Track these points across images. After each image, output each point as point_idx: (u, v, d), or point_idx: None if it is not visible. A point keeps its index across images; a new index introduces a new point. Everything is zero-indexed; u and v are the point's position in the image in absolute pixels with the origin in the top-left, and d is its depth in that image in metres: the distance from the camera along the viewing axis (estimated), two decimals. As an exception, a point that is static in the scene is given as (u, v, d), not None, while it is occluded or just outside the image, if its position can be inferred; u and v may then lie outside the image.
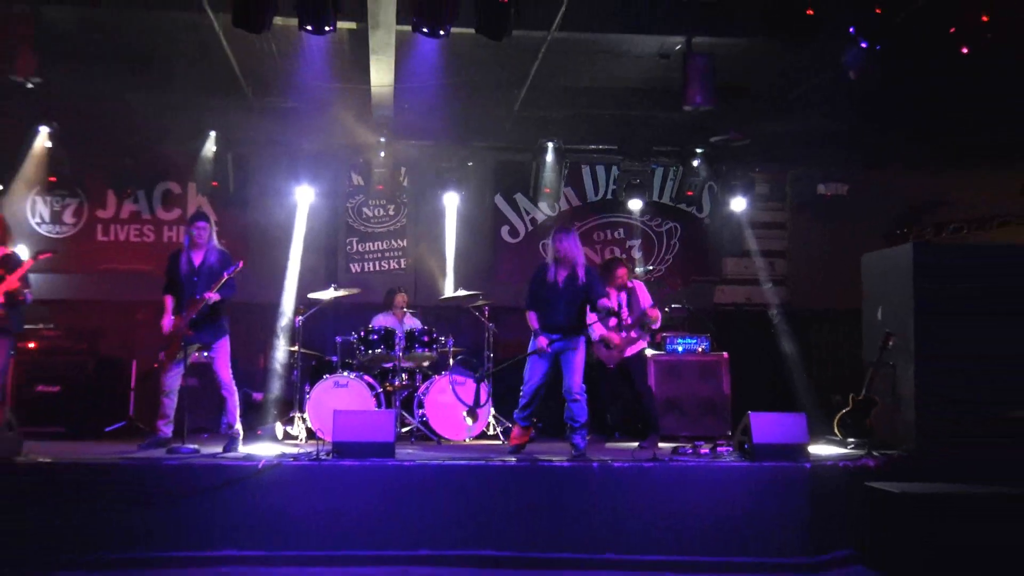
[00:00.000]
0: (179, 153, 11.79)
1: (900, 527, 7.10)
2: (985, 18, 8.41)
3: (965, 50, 8.53)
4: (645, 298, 9.37)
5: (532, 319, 8.37)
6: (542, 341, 8.19)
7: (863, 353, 9.63)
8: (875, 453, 8.27)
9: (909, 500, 7.09)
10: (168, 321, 8.33)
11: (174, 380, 8.33)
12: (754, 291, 12.67)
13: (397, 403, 9.61)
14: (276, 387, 10.83)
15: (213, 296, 8.17)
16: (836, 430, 9.13)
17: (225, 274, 8.23)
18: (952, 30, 8.48)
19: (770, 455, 7.62)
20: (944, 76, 9.76)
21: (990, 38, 8.46)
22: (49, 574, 6.62)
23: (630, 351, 9.22)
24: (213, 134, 11.43)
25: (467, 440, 9.55)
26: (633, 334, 9.17)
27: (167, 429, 8.29)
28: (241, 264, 8.39)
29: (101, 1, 8.90)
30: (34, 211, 11.94)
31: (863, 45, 8.47)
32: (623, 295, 9.36)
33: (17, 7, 8.68)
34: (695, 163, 11.98)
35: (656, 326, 9.35)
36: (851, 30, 8.39)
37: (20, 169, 11.32)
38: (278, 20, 8.20)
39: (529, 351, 8.39)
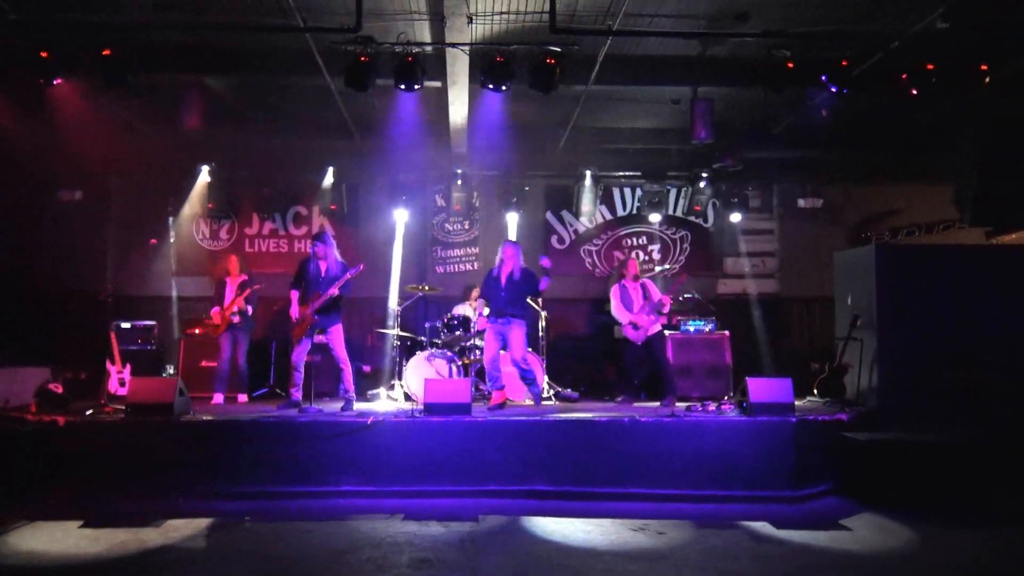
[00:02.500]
0: (305, 183, 11.89)
1: (867, 467, 7.02)
2: (931, 66, 8.22)
3: (914, 91, 8.34)
4: (655, 290, 9.36)
5: (479, 305, 9.06)
6: (483, 322, 8.93)
7: (835, 330, 9.47)
8: (847, 409, 8.14)
9: (874, 447, 7.03)
10: (295, 311, 8.42)
11: (301, 357, 8.39)
12: (749, 283, 12.49)
13: (472, 373, 9.60)
14: (381, 361, 10.92)
15: (335, 291, 8.24)
16: (815, 391, 8.99)
17: (348, 274, 8.30)
18: (904, 76, 8.29)
19: (763, 411, 7.49)
20: (894, 112, 9.59)
21: (934, 82, 8.27)
22: (209, 502, 6.73)
23: (652, 330, 9.15)
24: (331, 168, 11.53)
25: (526, 401, 9.50)
26: (652, 317, 9.11)
27: (298, 394, 8.35)
28: (362, 267, 8.44)
29: (247, 71, 9.01)
30: (198, 230, 12.12)
31: (832, 90, 8.30)
32: (639, 286, 9.36)
33: (184, 76, 8.84)
34: (701, 184, 11.85)
35: (666, 310, 9.30)
36: (823, 78, 8.23)
37: (187, 198, 11.57)
38: (379, 81, 8.24)
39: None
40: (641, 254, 12.42)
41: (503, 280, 8.70)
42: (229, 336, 9.40)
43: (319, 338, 8.57)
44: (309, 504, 6.77)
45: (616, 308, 9.34)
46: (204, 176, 11.41)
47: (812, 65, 8.25)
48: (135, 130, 10.56)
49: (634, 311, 9.17)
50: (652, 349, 9.17)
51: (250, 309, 9.50)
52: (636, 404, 9.14)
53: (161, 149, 10.97)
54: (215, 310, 9.45)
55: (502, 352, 8.91)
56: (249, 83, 9.58)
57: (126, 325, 10.25)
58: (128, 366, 9.02)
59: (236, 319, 9.38)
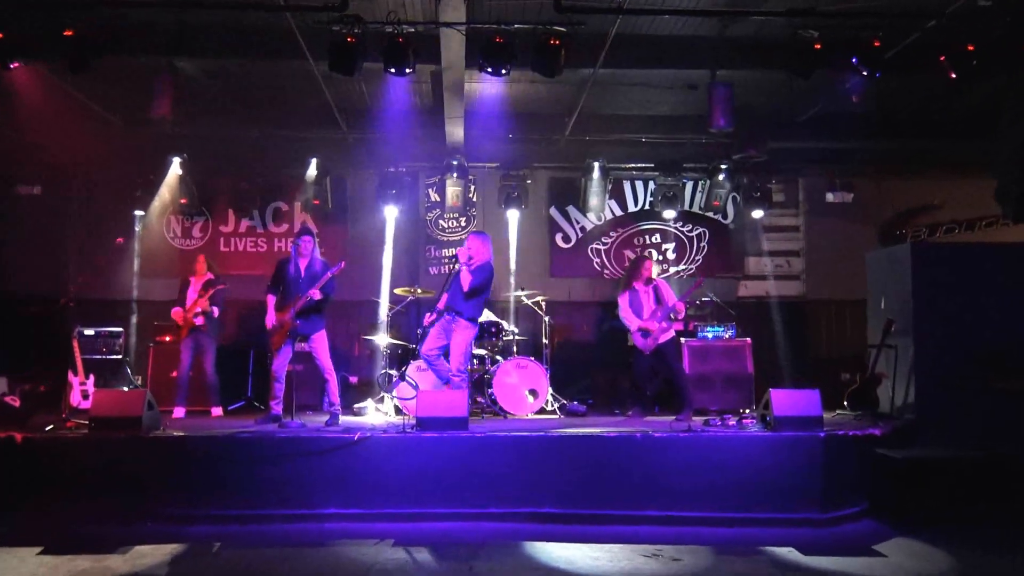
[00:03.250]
0: (286, 177, 11.89)
1: (903, 487, 6.98)
2: (971, 47, 8.19)
3: (953, 75, 8.31)
4: (669, 294, 9.23)
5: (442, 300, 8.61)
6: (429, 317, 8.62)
7: (868, 337, 9.45)
8: (880, 423, 8.11)
9: (910, 464, 6.99)
10: (272, 318, 8.40)
11: (282, 366, 8.37)
12: (772, 285, 12.48)
13: (470, 384, 9.58)
14: (370, 371, 10.91)
15: (316, 294, 8.22)
16: (845, 403, 8.97)
17: (328, 273, 8.27)
18: (942, 58, 8.26)
19: (789, 426, 7.45)
20: (931, 98, 9.56)
21: (975, 64, 8.25)
22: (180, 526, 6.68)
23: (663, 338, 9.10)
24: (314, 161, 11.49)
25: (529, 415, 9.49)
26: (664, 324, 9.05)
27: (278, 407, 8.34)
28: (343, 264, 8.42)
29: (223, 53, 8.99)
30: (168, 228, 12.11)
31: (864, 73, 8.28)
32: (650, 289, 9.24)
33: (154, 59, 8.82)
34: (720, 177, 11.80)
35: (681, 316, 9.17)
36: (853, 60, 8.20)
37: (157, 193, 11.52)
38: (367, 65, 8.22)
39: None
40: (655, 253, 12.41)
41: (459, 274, 8.45)
42: (191, 341, 9.37)
43: (301, 346, 8.55)
44: (289, 528, 6.73)
45: (624, 312, 9.28)
46: (175, 169, 11.32)
47: (842, 46, 8.22)
48: (100, 119, 10.55)
49: (644, 316, 9.12)
50: (665, 358, 9.13)
51: (216, 311, 9.47)
52: (648, 418, 9.12)
53: (128, 140, 10.97)
54: (176, 310, 9.46)
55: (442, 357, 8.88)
56: (225, 67, 9.57)
57: (90, 332, 10.19)
58: (92, 377, 8.99)
59: (199, 321, 9.33)
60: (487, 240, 8.60)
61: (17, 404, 8.04)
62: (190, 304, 9.38)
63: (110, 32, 8.21)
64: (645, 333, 9.05)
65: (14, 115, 9.32)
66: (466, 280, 8.32)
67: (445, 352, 8.46)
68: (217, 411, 9.51)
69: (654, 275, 9.45)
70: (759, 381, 9.96)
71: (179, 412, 9.22)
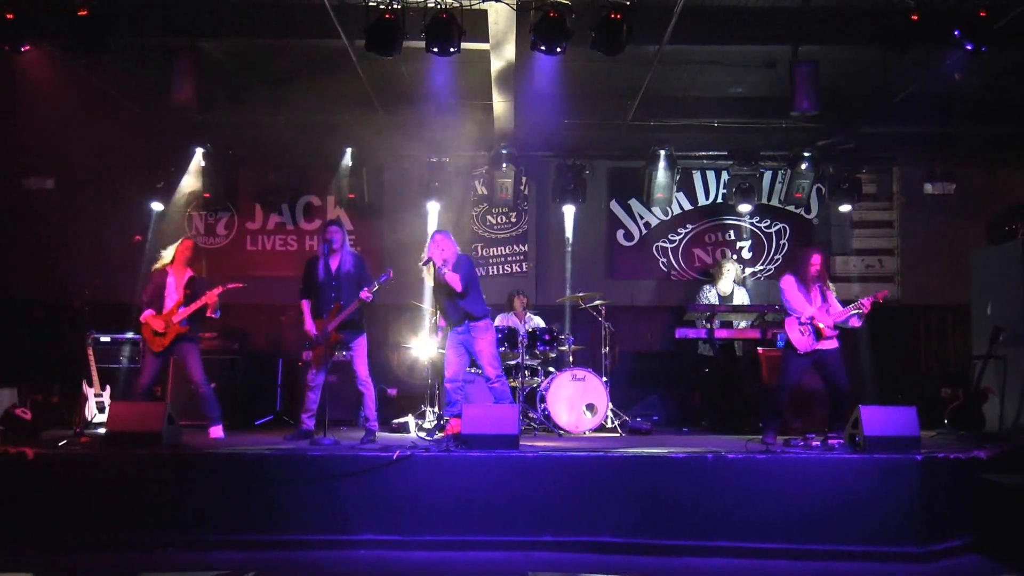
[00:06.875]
0: (318, 168, 12.02)
1: (1016, 518, 6.82)
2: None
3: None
4: (834, 298, 8.53)
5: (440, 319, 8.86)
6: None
7: (972, 346, 9.31)
8: (986, 445, 7.95)
9: (1022, 492, 6.83)
10: (311, 325, 8.43)
11: (319, 376, 8.45)
12: (864, 288, 12.30)
13: (520, 398, 9.61)
14: (409, 383, 10.96)
15: (368, 296, 8.26)
16: (947, 422, 8.83)
17: (377, 282, 8.30)
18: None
19: (881, 447, 7.35)
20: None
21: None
22: (203, 553, 6.77)
23: (828, 344, 8.44)
24: (349, 150, 11.60)
25: (586, 433, 9.48)
26: (830, 332, 8.41)
27: (310, 422, 8.41)
28: (391, 273, 8.44)
29: (249, 32, 9.11)
30: (190, 225, 12.31)
31: (968, 48, 8.15)
32: (817, 287, 8.47)
33: (175, 40, 8.97)
34: (803, 166, 11.67)
35: (858, 324, 8.55)
36: (956, 33, 8.08)
37: (178, 187, 11.70)
38: (407, 44, 8.27)
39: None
40: (728, 252, 12.32)
41: (443, 276, 8.47)
42: (171, 350, 8.56)
43: (340, 355, 8.59)
44: (320, 555, 6.80)
45: (791, 296, 8.47)
46: (198, 160, 11.55)
47: (943, 17, 8.11)
48: (116, 105, 10.73)
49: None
50: (827, 367, 8.53)
51: (217, 313, 8.71)
52: (717, 436, 9.04)
53: (147, 128, 11.14)
54: (149, 314, 8.49)
55: (471, 370, 8.97)
56: (251, 47, 9.70)
57: (106, 338, 10.33)
58: (108, 388, 9.14)
59: (185, 327, 8.51)
60: (450, 235, 8.90)
61: (28, 417, 8.20)
62: (171, 306, 8.52)
63: (127, 10, 8.38)
64: (804, 332, 8.40)
65: (25, 102, 9.52)
66: (454, 280, 8.43)
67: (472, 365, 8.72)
68: (217, 431, 8.70)
69: (818, 274, 8.53)
70: (847, 396, 9.82)
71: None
